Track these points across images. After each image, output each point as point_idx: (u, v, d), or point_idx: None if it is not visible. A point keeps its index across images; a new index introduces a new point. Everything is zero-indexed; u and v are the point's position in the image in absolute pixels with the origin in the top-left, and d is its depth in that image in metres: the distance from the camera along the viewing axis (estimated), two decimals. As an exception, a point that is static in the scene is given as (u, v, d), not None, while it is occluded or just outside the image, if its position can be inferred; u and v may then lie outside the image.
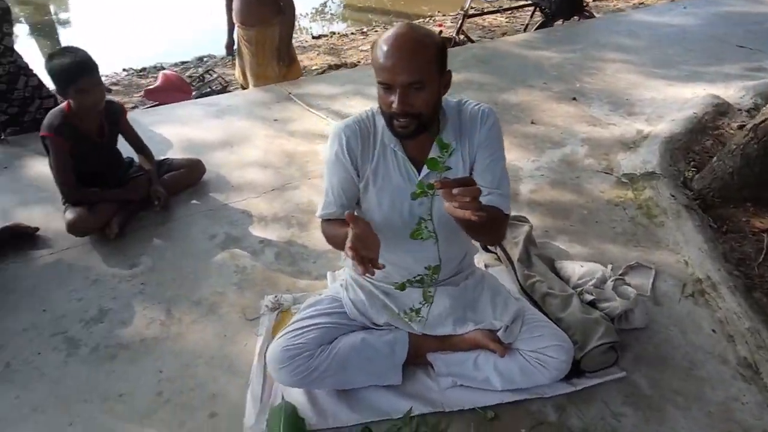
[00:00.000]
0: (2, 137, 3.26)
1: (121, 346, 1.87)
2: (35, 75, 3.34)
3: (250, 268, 2.18)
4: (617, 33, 4.68)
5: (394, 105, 1.32)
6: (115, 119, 2.47)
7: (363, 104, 3.54)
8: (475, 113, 1.48)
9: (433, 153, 1.45)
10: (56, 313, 2.01)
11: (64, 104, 2.34)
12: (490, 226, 1.35)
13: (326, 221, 1.56)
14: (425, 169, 1.45)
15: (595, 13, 5.73)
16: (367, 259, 1.19)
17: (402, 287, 1.40)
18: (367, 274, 1.19)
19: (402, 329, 1.66)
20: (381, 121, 1.48)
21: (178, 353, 1.83)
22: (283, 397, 1.63)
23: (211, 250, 2.29)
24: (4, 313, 2.02)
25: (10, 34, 3.17)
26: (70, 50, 2.24)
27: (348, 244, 1.20)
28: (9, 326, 1.96)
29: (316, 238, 2.30)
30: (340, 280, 1.80)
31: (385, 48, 1.30)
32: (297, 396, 1.63)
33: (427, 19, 7.53)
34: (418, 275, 1.45)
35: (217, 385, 1.72)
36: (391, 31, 1.33)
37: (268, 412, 1.59)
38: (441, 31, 5.07)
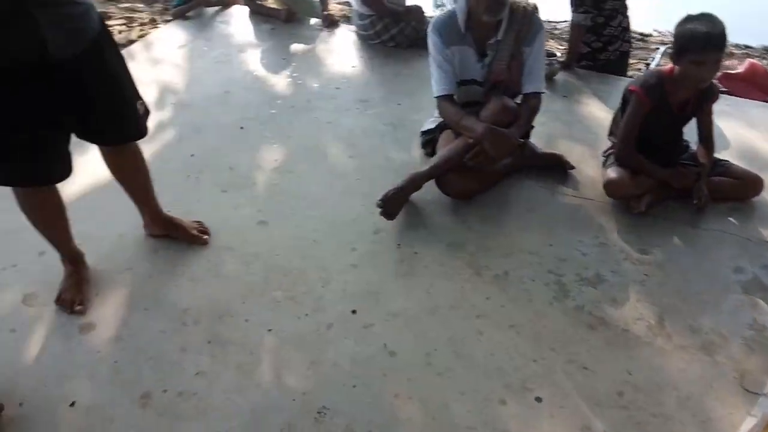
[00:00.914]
0: (572, 66, 3.43)
1: (604, 322, 1.82)
2: (628, 16, 3.34)
3: (770, 332, 1.80)
4: None
5: None
6: (704, 101, 2.27)
7: None
8: None
9: None
10: (559, 253, 2.09)
11: (666, 67, 2.25)
12: None
13: None
14: None
15: None
16: None
17: None
18: None
19: None
20: None
21: (652, 367, 1.68)
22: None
23: (731, 285, 1.97)
24: (519, 230, 2.21)
25: None
26: (710, 19, 2.07)
27: None
28: (516, 241, 2.14)
29: None
30: None
31: None
32: None
33: None
34: None
35: (689, 429, 1.51)
36: None
37: None
38: None
